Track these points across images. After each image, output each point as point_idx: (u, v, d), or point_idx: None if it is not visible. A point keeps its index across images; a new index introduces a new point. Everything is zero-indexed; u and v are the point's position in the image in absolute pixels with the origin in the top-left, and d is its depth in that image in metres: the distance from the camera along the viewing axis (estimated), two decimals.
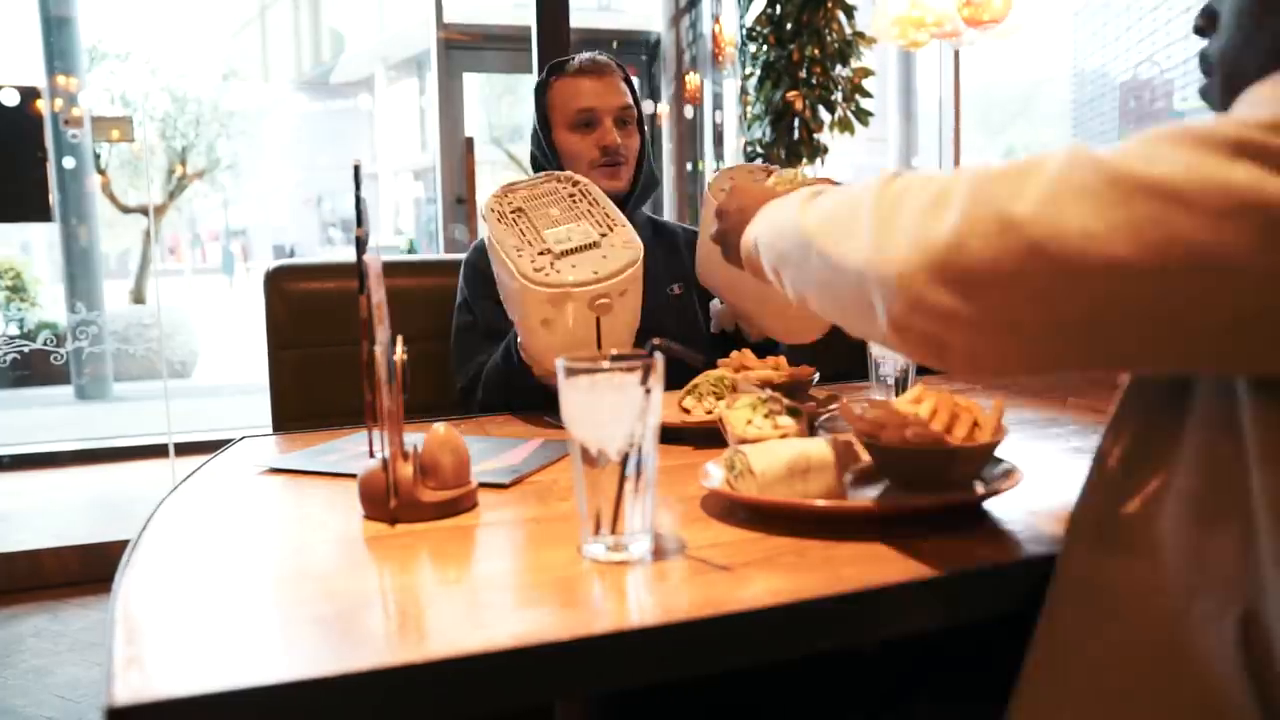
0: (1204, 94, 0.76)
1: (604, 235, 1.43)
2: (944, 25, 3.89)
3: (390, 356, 0.93)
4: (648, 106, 5.45)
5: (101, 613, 2.99)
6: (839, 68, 4.27)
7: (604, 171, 1.69)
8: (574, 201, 1.49)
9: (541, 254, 1.39)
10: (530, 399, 1.50)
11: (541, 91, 1.74)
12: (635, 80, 1.83)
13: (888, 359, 1.44)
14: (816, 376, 1.45)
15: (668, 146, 5.50)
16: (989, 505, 0.94)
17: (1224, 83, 0.73)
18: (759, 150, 4.30)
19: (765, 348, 1.65)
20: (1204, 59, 0.75)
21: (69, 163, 5.57)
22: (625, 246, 1.42)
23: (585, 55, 1.74)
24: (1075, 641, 0.69)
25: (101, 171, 7.68)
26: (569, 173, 1.55)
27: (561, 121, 1.71)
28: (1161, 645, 0.63)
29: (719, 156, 5.29)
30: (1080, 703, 0.68)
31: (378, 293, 0.93)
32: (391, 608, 0.74)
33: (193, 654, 0.66)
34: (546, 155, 1.73)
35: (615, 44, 5.72)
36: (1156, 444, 0.67)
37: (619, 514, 0.81)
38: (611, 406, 0.80)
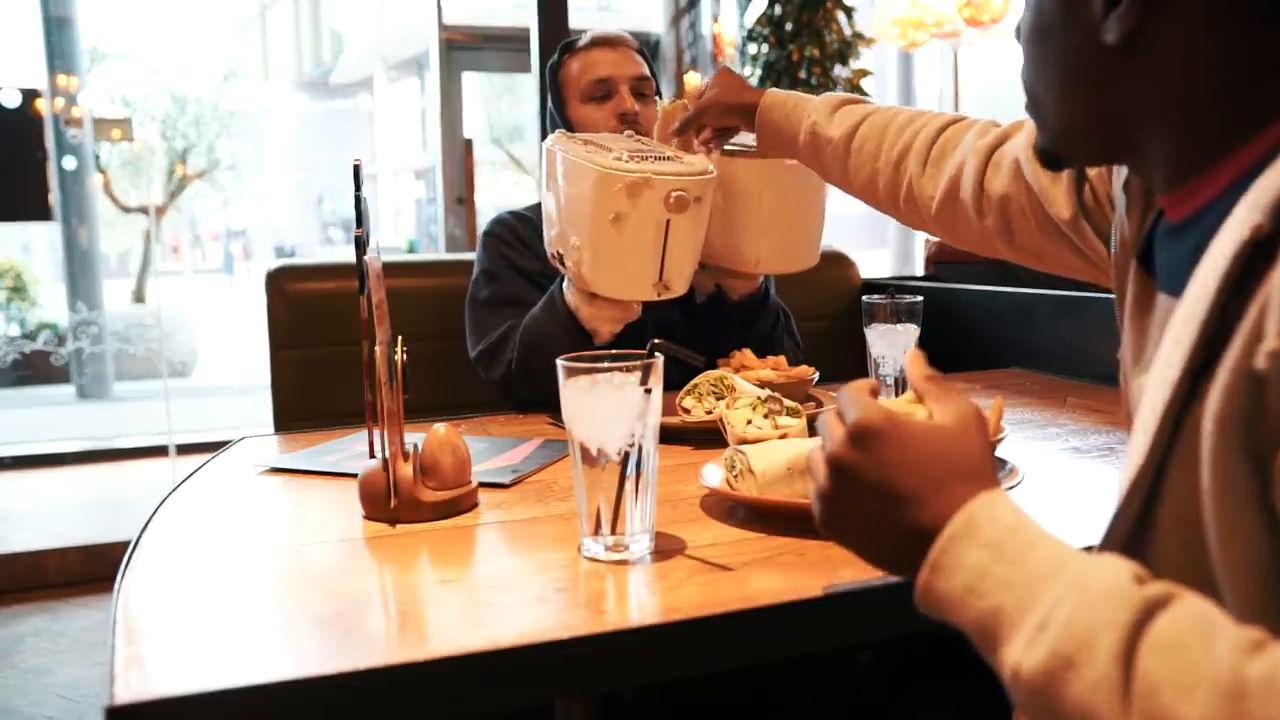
0: (1027, 109, 0.74)
1: (678, 157, 1.41)
2: (944, 26, 3.89)
3: (390, 356, 0.93)
4: None
5: (102, 613, 2.99)
6: (839, 68, 4.27)
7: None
8: (638, 142, 1.47)
9: (617, 158, 1.36)
10: (575, 349, 1.45)
11: (555, 71, 1.70)
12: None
13: (887, 359, 1.44)
14: (816, 376, 1.45)
15: None
16: None
17: (1029, 103, 0.73)
18: None
19: (748, 314, 1.63)
20: (1021, 74, 0.74)
21: (69, 163, 5.57)
22: (701, 161, 1.41)
23: (597, 30, 1.70)
24: None
25: (102, 171, 7.68)
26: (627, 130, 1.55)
27: (577, 96, 1.65)
28: None
29: None
30: None
31: (378, 293, 0.93)
32: (392, 607, 0.74)
33: (193, 654, 0.66)
34: None
35: None
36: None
37: (619, 514, 0.81)
38: (611, 406, 0.80)
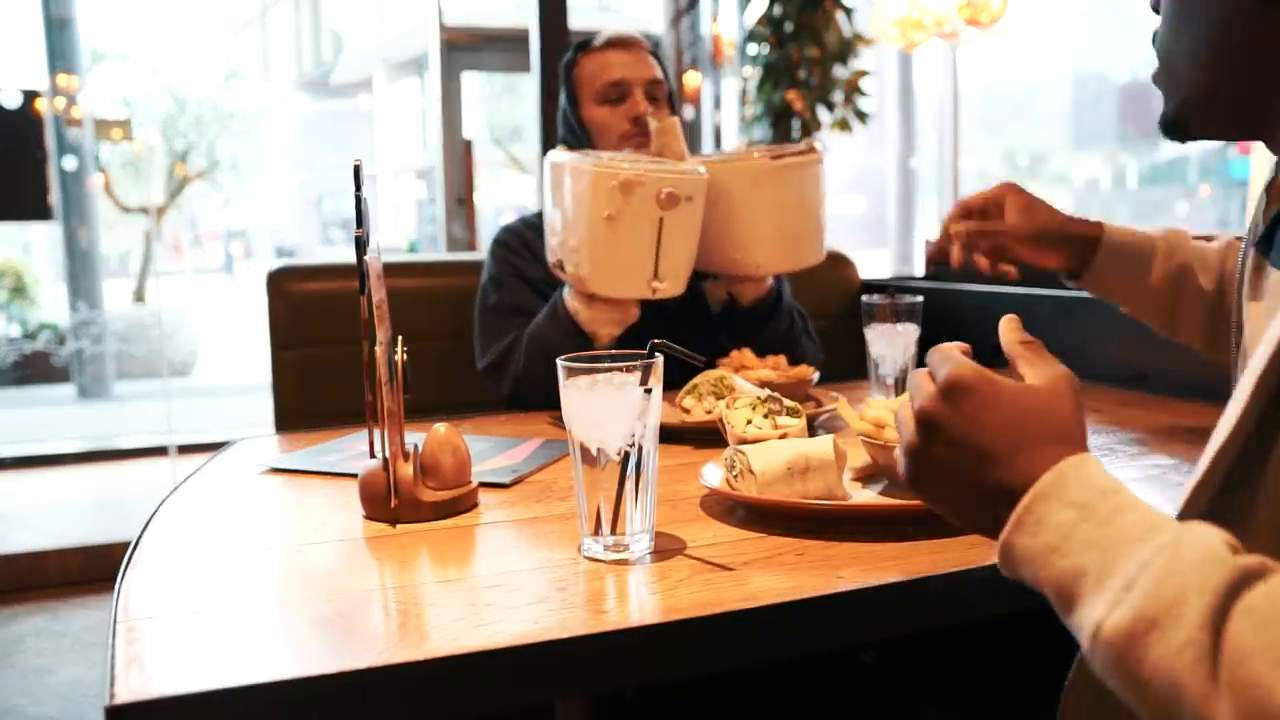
0: (1155, 79, 0.75)
1: (672, 163, 1.48)
2: (943, 26, 3.89)
3: (390, 356, 0.93)
4: None
5: (102, 613, 2.99)
6: (838, 68, 4.28)
7: (635, 144, 1.62)
8: (635, 155, 1.52)
9: (611, 159, 1.42)
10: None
11: (569, 70, 1.70)
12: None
13: (887, 358, 1.44)
14: (816, 376, 1.45)
15: None
16: None
17: (1161, 70, 0.73)
18: None
19: (761, 318, 1.64)
20: (1154, 40, 0.74)
21: (69, 163, 5.57)
22: (695, 164, 1.48)
23: (612, 31, 1.70)
24: None
25: (102, 171, 7.68)
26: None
27: (590, 96, 1.66)
28: None
29: None
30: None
31: (378, 293, 0.93)
32: (392, 607, 0.74)
33: (193, 654, 0.66)
34: (576, 135, 1.68)
35: None
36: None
37: (619, 513, 0.82)
38: (611, 406, 0.80)
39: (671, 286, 1.45)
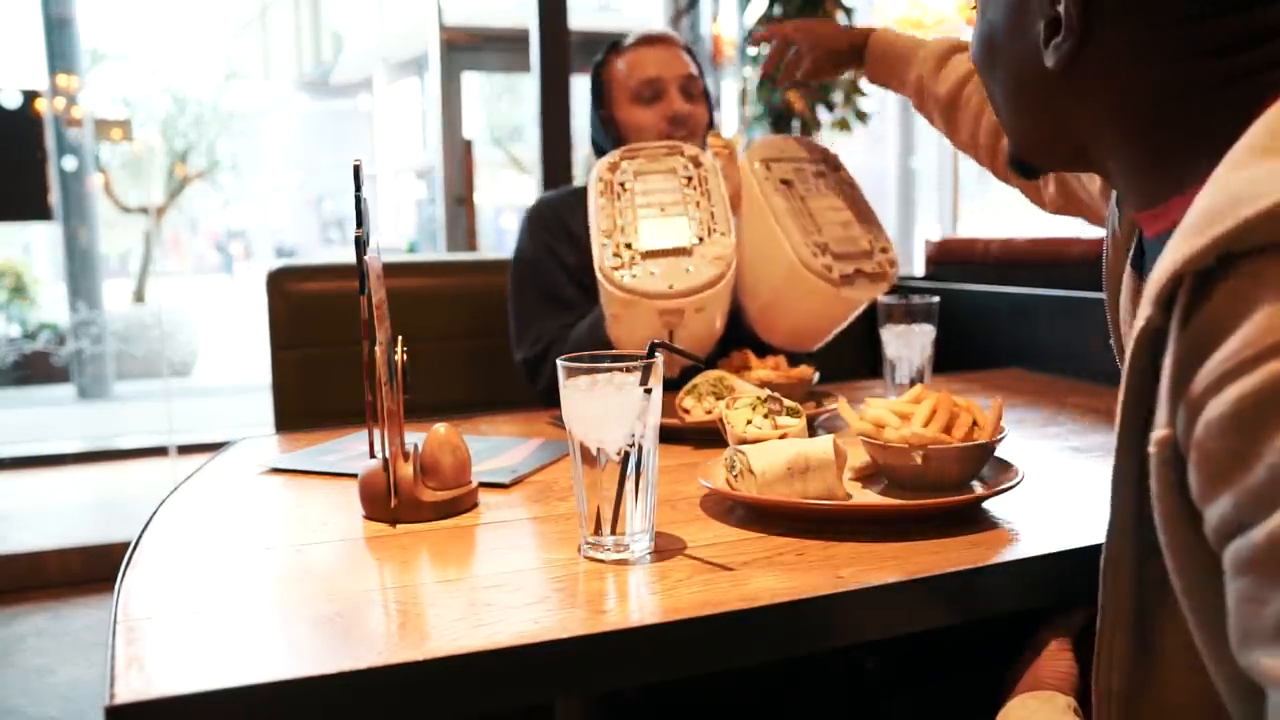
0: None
1: (699, 242, 1.34)
2: (944, 26, 3.89)
3: (390, 356, 0.93)
4: None
5: (103, 612, 2.99)
6: None
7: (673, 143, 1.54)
8: (688, 190, 1.39)
9: (627, 247, 1.33)
10: None
11: (599, 71, 1.67)
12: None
13: (903, 359, 1.43)
14: (816, 376, 1.45)
15: None
16: (988, 505, 0.94)
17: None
18: None
19: (767, 347, 1.64)
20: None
21: (69, 163, 5.57)
22: (714, 260, 1.32)
23: (643, 29, 1.67)
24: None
25: (102, 171, 7.68)
26: (695, 150, 1.45)
27: (624, 96, 1.62)
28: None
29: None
30: None
31: (378, 293, 0.93)
32: (392, 607, 0.74)
33: (193, 654, 0.66)
34: (607, 137, 1.65)
35: None
36: None
37: (619, 514, 0.82)
38: (611, 406, 0.80)
39: (696, 358, 1.42)
